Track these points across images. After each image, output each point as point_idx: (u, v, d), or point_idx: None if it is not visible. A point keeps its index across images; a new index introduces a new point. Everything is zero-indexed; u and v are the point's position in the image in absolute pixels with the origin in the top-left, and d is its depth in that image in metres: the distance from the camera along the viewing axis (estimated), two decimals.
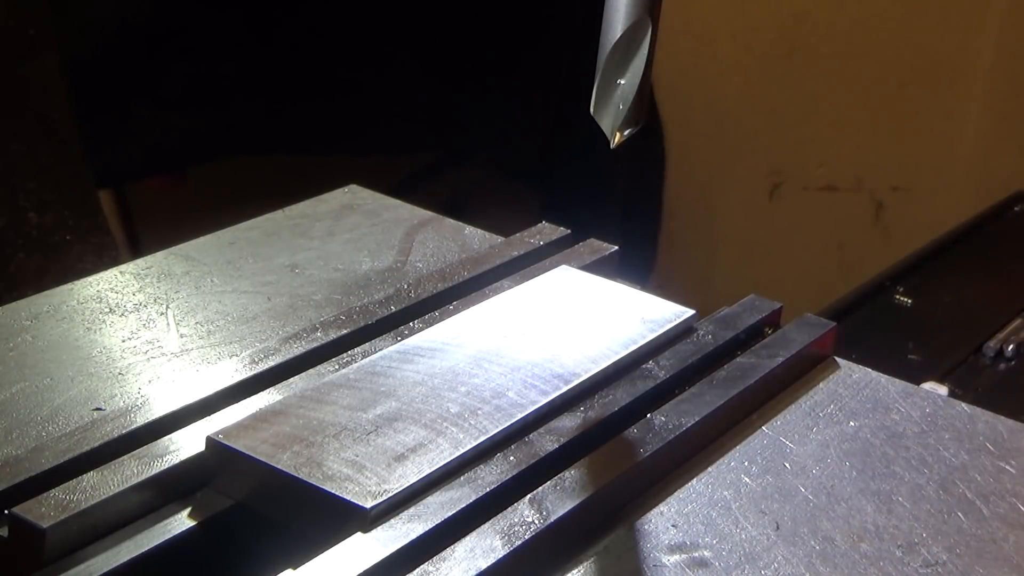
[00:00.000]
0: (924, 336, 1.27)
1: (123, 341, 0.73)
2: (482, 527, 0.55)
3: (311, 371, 0.67)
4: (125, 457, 0.58)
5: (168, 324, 0.74)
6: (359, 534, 0.54)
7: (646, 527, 0.59)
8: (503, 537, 0.54)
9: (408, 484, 0.56)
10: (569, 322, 0.71)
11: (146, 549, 0.55)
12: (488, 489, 0.57)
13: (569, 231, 0.85)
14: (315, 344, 0.69)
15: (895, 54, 2.05)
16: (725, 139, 2.19)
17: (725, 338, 0.72)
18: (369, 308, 0.74)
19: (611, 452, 0.61)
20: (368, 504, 0.55)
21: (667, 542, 0.58)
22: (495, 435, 0.61)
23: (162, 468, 0.58)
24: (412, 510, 0.55)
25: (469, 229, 0.89)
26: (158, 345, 0.72)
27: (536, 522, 0.55)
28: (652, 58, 0.58)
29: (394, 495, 0.55)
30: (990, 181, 1.85)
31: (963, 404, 0.71)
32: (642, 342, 0.69)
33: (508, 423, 0.61)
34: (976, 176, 2.04)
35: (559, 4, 1.92)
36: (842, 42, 2.07)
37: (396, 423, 0.60)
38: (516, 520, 0.56)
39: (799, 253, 2.18)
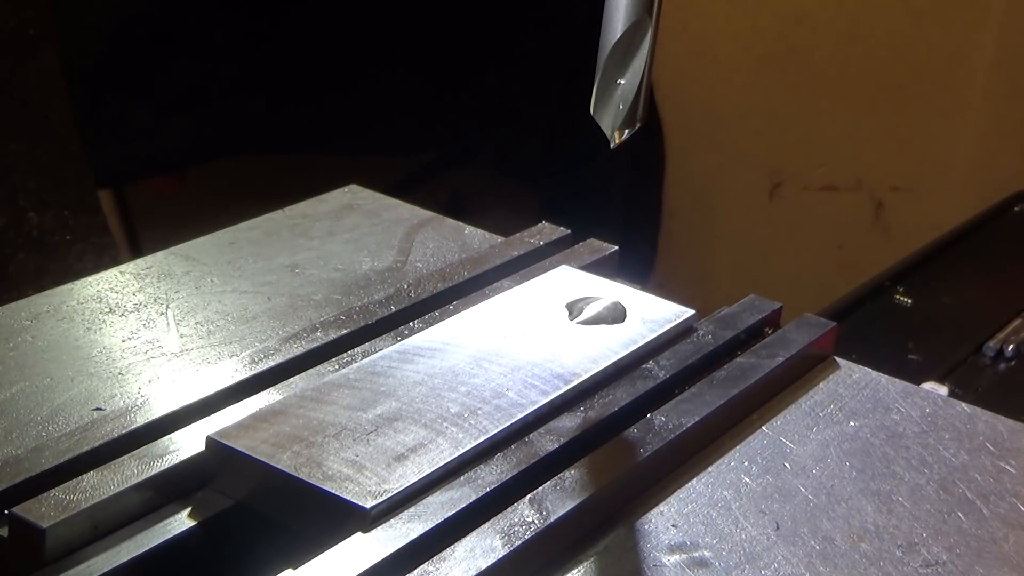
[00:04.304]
0: (924, 336, 1.27)
1: (123, 341, 0.73)
2: (482, 527, 0.55)
3: (311, 371, 0.67)
4: (125, 457, 0.58)
5: (168, 324, 0.74)
6: (359, 534, 0.54)
7: (646, 527, 0.59)
8: (503, 537, 0.54)
9: (408, 484, 0.56)
10: (569, 322, 0.71)
11: (146, 549, 0.55)
12: (488, 489, 0.57)
13: (569, 231, 0.85)
14: (315, 344, 0.69)
15: (895, 54, 2.05)
16: (725, 139, 2.19)
17: (725, 338, 0.72)
18: (369, 308, 0.74)
19: (611, 452, 0.61)
20: (368, 504, 0.55)
21: (667, 542, 0.58)
22: (495, 435, 0.61)
23: (162, 468, 0.58)
24: (412, 510, 0.55)
25: (469, 229, 0.89)
26: (158, 345, 0.72)
27: (536, 522, 0.55)
28: (652, 58, 0.58)
29: (394, 495, 0.55)
30: (990, 181, 1.85)
31: (963, 404, 0.71)
32: (642, 342, 0.70)
33: (508, 423, 0.61)
34: (976, 176, 2.04)
35: (559, 4, 1.93)
36: (842, 42, 2.07)
37: (396, 423, 0.60)
38: (516, 520, 0.56)
39: (799, 253, 2.18)
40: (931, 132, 2.07)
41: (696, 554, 0.57)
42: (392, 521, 0.55)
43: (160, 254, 0.83)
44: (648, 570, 0.56)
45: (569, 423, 0.63)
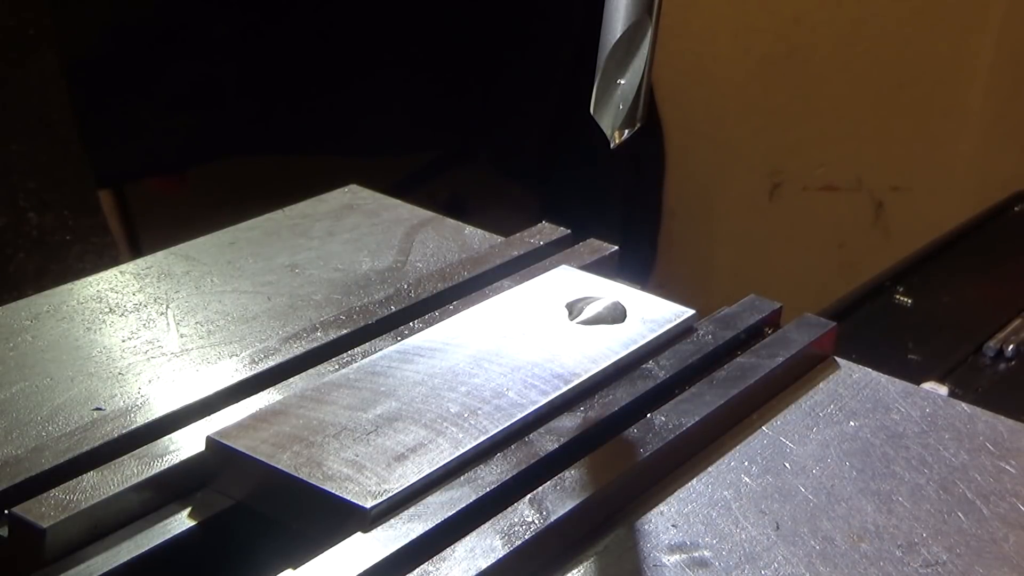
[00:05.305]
0: (924, 336, 1.27)
1: (123, 341, 0.73)
2: (482, 527, 0.55)
3: (311, 371, 0.67)
4: (125, 457, 0.58)
5: (168, 324, 0.74)
6: (359, 534, 0.54)
7: (646, 527, 0.59)
8: (503, 537, 0.54)
9: (408, 484, 0.56)
10: (569, 322, 0.71)
11: (146, 549, 0.55)
12: (488, 489, 0.57)
13: (569, 231, 0.85)
14: (315, 344, 0.69)
15: (895, 54, 2.05)
16: (725, 139, 2.19)
17: (725, 338, 0.72)
18: (369, 308, 0.74)
19: (611, 452, 0.61)
20: (368, 504, 0.55)
21: (667, 542, 0.58)
22: (495, 435, 0.61)
23: (162, 468, 0.58)
24: (412, 510, 0.55)
25: (469, 229, 0.89)
26: (158, 345, 0.72)
27: (536, 522, 0.55)
28: (652, 58, 0.58)
29: (394, 495, 0.55)
30: (990, 181, 1.85)
31: (963, 404, 0.71)
32: (642, 342, 0.70)
33: (508, 423, 0.61)
34: (976, 176, 2.04)
35: (559, 4, 1.93)
36: (842, 42, 2.07)
37: (396, 423, 0.60)
38: (516, 520, 0.56)
39: (799, 253, 2.18)
40: (931, 132, 2.07)
41: (696, 554, 0.57)
42: (392, 521, 0.55)
43: (160, 254, 0.83)
44: (648, 570, 0.56)
45: (569, 423, 0.63)
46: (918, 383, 0.77)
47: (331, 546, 0.53)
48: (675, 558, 0.57)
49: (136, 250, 1.89)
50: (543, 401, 0.63)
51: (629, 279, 0.78)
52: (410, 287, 0.77)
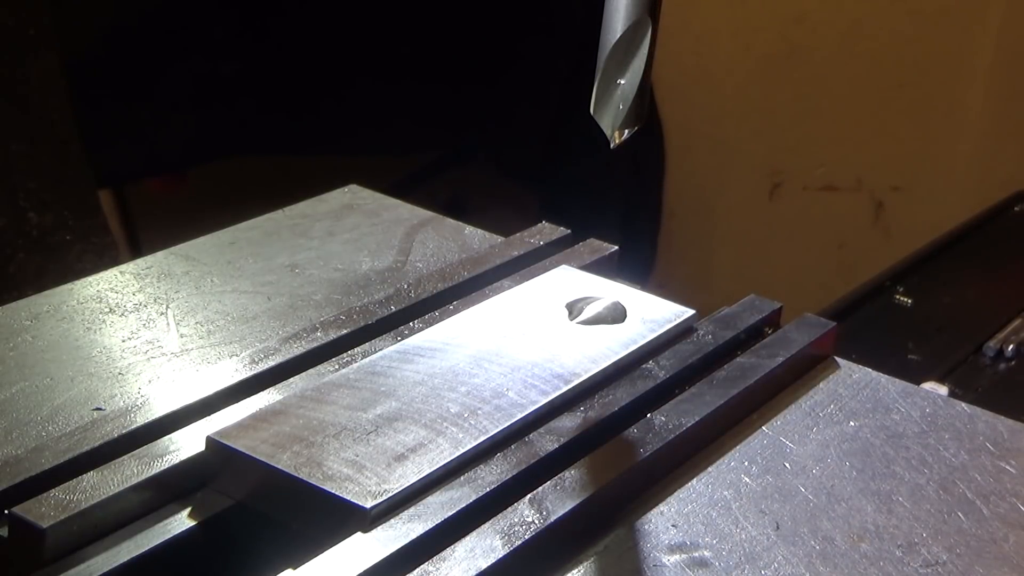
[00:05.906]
0: (924, 336, 1.27)
1: (123, 341, 0.73)
2: (482, 527, 0.55)
3: (311, 371, 0.67)
4: (125, 457, 0.58)
5: (168, 324, 0.74)
6: (359, 534, 0.54)
7: (646, 527, 0.59)
8: (503, 537, 0.54)
9: (408, 484, 0.56)
10: (569, 322, 0.71)
11: (146, 549, 0.55)
12: (488, 489, 0.57)
13: (569, 231, 0.85)
14: (315, 344, 0.69)
15: (895, 54, 2.05)
16: (725, 139, 2.19)
17: (725, 338, 0.72)
18: (369, 308, 0.74)
19: (611, 452, 0.61)
20: (368, 504, 0.55)
21: (667, 542, 0.58)
22: (495, 435, 0.61)
23: (162, 468, 0.58)
24: (412, 510, 0.55)
25: (469, 229, 0.89)
26: (158, 345, 0.72)
27: (536, 522, 0.55)
28: (652, 58, 0.58)
29: (394, 495, 0.55)
30: (990, 181, 1.85)
31: (963, 404, 0.71)
32: (642, 342, 0.70)
33: (508, 423, 0.61)
34: (976, 176, 2.04)
35: (559, 4, 1.93)
36: (842, 42, 2.07)
37: (396, 423, 0.60)
38: (516, 520, 0.56)
39: (799, 253, 2.18)
40: (931, 132, 2.07)
41: (696, 554, 0.57)
42: (392, 521, 0.55)
43: (160, 254, 0.83)
44: (648, 570, 0.56)
45: (569, 423, 0.63)
46: (918, 383, 0.77)
47: (331, 546, 0.53)
48: (675, 558, 0.57)
49: (136, 250, 1.89)
50: (543, 401, 0.63)
51: (629, 279, 0.78)
52: (410, 287, 0.77)
